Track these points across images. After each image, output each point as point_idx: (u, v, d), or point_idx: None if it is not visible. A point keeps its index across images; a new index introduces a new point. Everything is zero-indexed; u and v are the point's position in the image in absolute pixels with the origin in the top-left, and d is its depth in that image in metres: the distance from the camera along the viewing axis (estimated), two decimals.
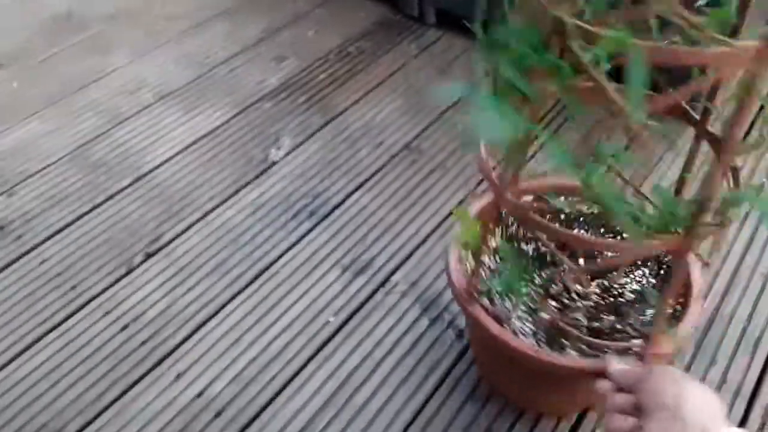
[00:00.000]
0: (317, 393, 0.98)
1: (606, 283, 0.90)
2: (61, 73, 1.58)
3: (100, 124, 1.45)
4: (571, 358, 0.79)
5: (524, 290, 0.84)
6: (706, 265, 0.79)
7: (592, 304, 0.88)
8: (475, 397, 0.97)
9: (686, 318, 0.81)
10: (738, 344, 1.03)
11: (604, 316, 0.86)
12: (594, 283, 0.89)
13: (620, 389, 0.67)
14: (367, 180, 1.32)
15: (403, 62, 1.61)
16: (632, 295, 0.88)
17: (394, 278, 1.15)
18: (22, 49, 1.65)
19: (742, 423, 0.94)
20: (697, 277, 0.85)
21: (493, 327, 0.80)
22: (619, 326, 0.85)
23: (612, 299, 0.88)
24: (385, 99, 1.51)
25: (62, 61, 1.62)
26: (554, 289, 0.88)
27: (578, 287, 0.88)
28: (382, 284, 1.14)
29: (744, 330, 1.05)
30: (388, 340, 1.05)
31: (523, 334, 0.82)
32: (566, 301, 0.88)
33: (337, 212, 1.26)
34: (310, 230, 1.23)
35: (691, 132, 0.78)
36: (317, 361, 1.03)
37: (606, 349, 0.80)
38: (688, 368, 1.00)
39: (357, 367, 1.02)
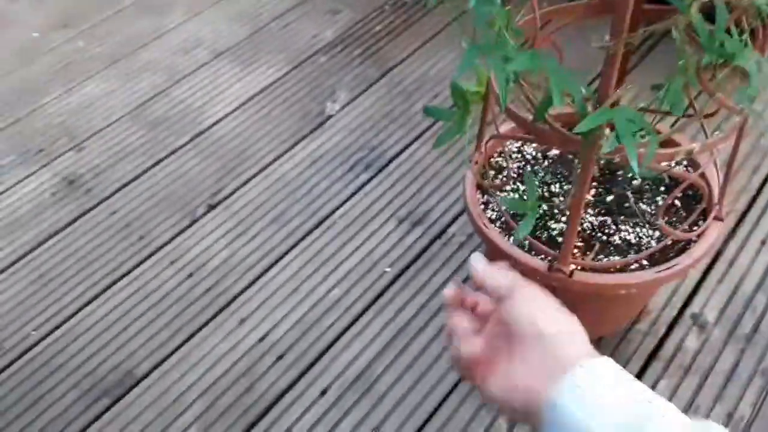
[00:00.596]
0: (375, 339, 1.00)
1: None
2: (122, 32, 1.62)
3: (159, 83, 1.47)
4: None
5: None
6: None
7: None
8: None
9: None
10: None
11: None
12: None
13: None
14: (423, 132, 1.31)
15: (460, 12, 1.57)
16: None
17: (451, 230, 1.14)
18: (86, 8, 1.70)
19: None
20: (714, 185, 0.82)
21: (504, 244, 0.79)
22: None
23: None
24: (441, 51, 1.48)
25: (122, 21, 1.65)
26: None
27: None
28: (439, 236, 1.13)
29: None
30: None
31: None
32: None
33: (393, 165, 1.26)
34: (366, 182, 1.23)
35: None
36: (374, 309, 1.04)
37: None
38: (760, 318, 0.96)
39: (414, 317, 1.02)
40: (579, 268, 0.78)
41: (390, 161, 1.26)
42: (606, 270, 0.78)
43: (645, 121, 0.60)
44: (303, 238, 1.15)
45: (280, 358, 0.99)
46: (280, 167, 1.28)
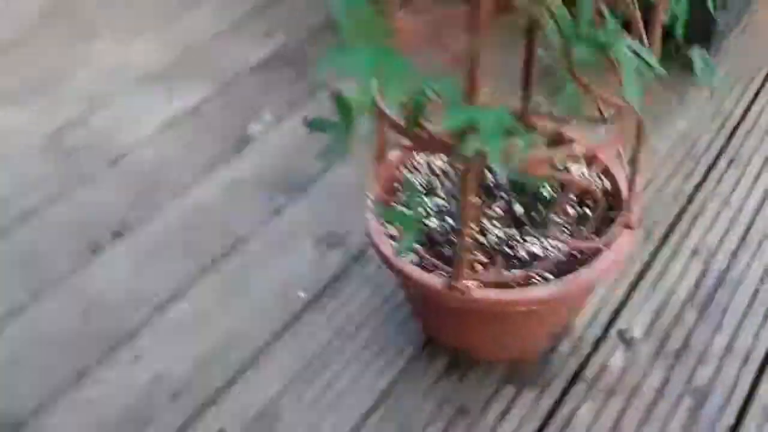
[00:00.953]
0: (281, 372, 0.92)
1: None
2: (46, 59, 1.56)
3: (79, 111, 1.40)
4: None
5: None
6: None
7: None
8: (455, 368, 0.89)
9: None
10: (748, 308, 0.93)
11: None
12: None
13: None
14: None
15: None
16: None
17: (371, 251, 1.07)
18: (9, 34, 1.64)
19: (750, 395, 0.83)
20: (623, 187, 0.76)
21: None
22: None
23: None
24: None
25: (48, 47, 1.60)
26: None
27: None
28: (357, 257, 1.06)
29: (756, 292, 0.94)
30: (362, 313, 0.98)
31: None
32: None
33: (314, 186, 1.20)
34: (284, 205, 1.16)
35: None
36: (284, 339, 0.96)
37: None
38: (690, 333, 0.90)
39: (327, 344, 0.95)
40: (479, 285, 0.72)
41: (311, 183, 1.20)
42: (507, 285, 0.71)
43: (514, 122, 0.54)
44: (212, 267, 1.08)
45: (175, 397, 0.90)
46: (195, 193, 1.21)
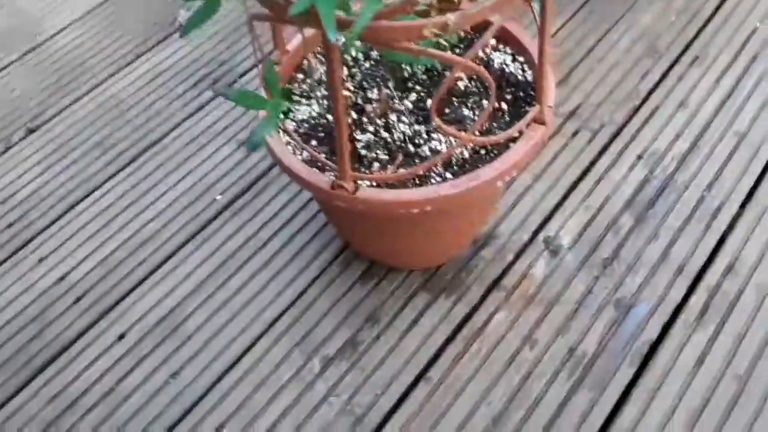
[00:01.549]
0: (188, 277, 0.87)
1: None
2: None
3: None
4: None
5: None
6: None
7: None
8: (367, 276, 0.84)
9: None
10: (691, 216, 0.86)
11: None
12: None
13: None
14: None
15: None
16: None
17: None
18: None
19: (680, 306, 0.79)
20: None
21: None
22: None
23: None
24: None
25: None
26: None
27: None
28: None
29: (702, 199, 0.87)
30: (278, 219, 0.92)
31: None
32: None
33: (242, 81, 1.11)
34: (209, 101, 1.07)
35: None
36: (195, 242, 0.91)
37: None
38: (622, 242, 0.84)
39: (239, 249, 0.89)
40: (373, 184, 0.65)
41: (239, 77, 1.11)
42: (403, 185, 0.64)
43: None
44: (127, 165, 1.00)
45: (77, 300, 0.86)
46: (115, 84, 1.11)
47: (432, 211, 0.62)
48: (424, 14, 0.52)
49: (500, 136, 0.66)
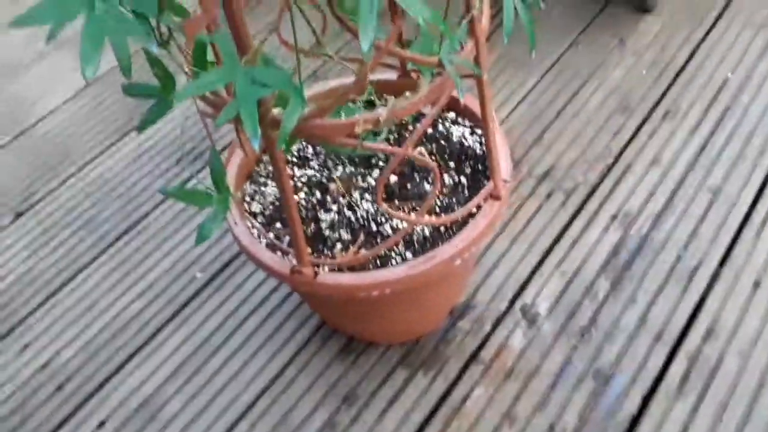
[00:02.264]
0: (167, 361, 0.87)
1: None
2: None
3: None
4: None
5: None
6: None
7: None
8: (345, 353, 0.84)
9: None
10: (668, 277, 0.85)
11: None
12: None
13: None
14: None
15: None
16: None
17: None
18: None
19: (661, 375, 0.77)
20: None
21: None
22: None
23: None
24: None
25: None
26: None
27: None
28: None
29: (679, 259, 0.87)
30: (256, 296, 0.92)
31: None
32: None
33: (224, 154, 1.13)
34: (190, 177, 1.10)
35: None
36: (175, 323, 0.91)
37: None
38: (599, 307, 0.83)
39: (217, 329, 0.90)
40: (336, 268, 0.65)
41: (222, 150, 1.13)
42: (364, 266, 0.65)
43: (290, 81, 0.46)
44: (111, 245, 1.02)
45: (59, 388, 0.87)
46: (101, 165, 1.14)
47: (392, 293, 0.62)
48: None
49: (455, 214, 0.66)
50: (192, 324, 0.91)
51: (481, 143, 0.74)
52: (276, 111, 0.55)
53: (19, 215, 1.09)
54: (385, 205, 0.59)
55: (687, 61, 1.10)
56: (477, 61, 0.52)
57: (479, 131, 0.76)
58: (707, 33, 1.14)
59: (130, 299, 0.95)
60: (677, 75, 1.08)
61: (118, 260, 1.00)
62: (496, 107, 1.08)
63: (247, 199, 0.76)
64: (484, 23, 0.53)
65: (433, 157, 0.75)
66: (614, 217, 0.92)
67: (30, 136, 1.22)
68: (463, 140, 0.76)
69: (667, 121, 1.02)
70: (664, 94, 1.06)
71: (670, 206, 0.92)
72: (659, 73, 1.09)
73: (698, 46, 1.12)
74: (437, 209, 0.71)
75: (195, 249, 1.00)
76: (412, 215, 0.65)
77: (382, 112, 0.50)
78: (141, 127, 0.64)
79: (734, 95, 1.04)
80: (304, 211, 0.73)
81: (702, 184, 0.93)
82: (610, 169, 0.97)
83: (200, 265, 0.97)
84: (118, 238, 1.03)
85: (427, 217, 0.67)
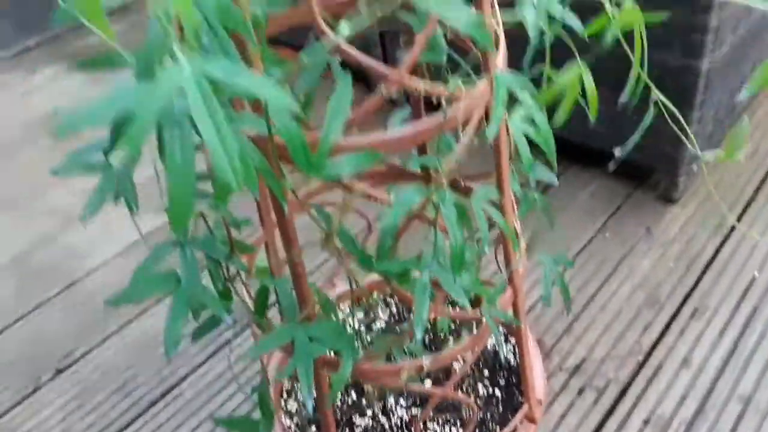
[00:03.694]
0: None
1: None
2: (31, 172, 1.61)
3: (51, 227, 1.43)
4: None
5: None
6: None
7: None
8: None
9: None
10: None
11: None
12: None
13: None
14: None
15: None
16: None
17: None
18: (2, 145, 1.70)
19: None
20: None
21: None
22: None
23: None
24: None
25: (34, 162, 1.64)
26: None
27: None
28: None
29: None
30: None
31: None
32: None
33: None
34: (225, 343, 1.13)
35: None
36: None
37: None
38: None
39: None
40: None
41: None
42: None
43: (345, 338, 0.50)
44: (146, 411, 1.04)
45: None
46: (143, 323, 1.19)
47: None
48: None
49: None
50: None
51: (515, 353, 0.77)
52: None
53: (59, 372, 1.12)
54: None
55: (713, 257, 1.14)
56: (515, 309, 0.56)
57: (512, 339, 0.79)
58: (731, 230, 1.19)
59: None
60: (705, 270, 1.12)
61: (152, 427, 1.02)
62: (525, 290, 1.11)
63: (284, 396, 0.78)
64: (521, 270, 0.58)
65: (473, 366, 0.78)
66: (646, 422, 0.91)
67: (79, 289, 1.28)
68: (497, 348, 0.78)
69: (695, 320, 1.04)
70: (692, 290, 1.09)
71: (701, 413, 0.92)
72: (687, 267, 1.12)
73: (724, 241, 1.16)
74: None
75: (230, 413, 1.01)
76: None
77: (426, 361, 0.53)
78: (195, 337, 0.68)
79: (761, 296, 1.06)
80: (338, 413, 0.75)
81: (732, 391, 0.93)
82: (641, 366, 0.98)
83: None
84: (152, 404, 1.05)
85: None
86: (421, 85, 0.39)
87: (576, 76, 0.45)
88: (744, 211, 1.22)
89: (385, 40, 1.44)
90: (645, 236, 1.19)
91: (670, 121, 0.52)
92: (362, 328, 0.84)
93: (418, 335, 0.43)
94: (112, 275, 1.30)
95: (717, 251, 1.15)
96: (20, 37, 2.08)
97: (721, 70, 1.13)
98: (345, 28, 0.33)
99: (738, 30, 1.12)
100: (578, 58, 0.47)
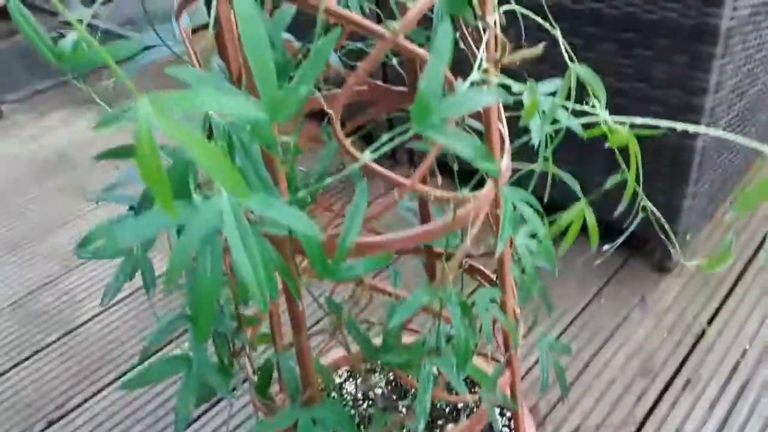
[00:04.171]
0: None
1: None
2: (34, 216, 1.62)
3: (52, 272, 1.44)
4: None
5: None
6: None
7: None
8: None
9: None
10: None
11: None
12: None
13: None
14: None
15: None
16: None
17: None
18: (5, 188, 1.72)
19: None
20: None
21: None
22: None
23: None
24: None
25: (38, 203, 1.66)
26: None
27: None
28: None
29: None
30: None
31: None
32: None
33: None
34: (221, 398, 1.14)
35: None
36: None
37: None
38: None
39: None
40: None
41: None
42: None
43: (349, 423, 0.51)
44: None
45: None
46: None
47: None
48: None
49: None
50: None
51: (510, 427, 0.78)
52: None
53: (50, 424, 1.12)
54: None
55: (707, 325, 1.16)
56: (513, 393, 0.57)
57: (507, 413, 0.80)
58: (724, 300, 1.21)
59: None
60: (697, 342, 1.13)
61: None
62: (520, 355, 1.12)
63: None
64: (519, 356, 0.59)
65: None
66: None
67: (76, 336, 1.29)
68: (492, 423, 0.80)
69: (688, 391, 1.05)
70: (684, 361, 1.10)
71: None
72: (680, 338, 1.14)
73: (716, 312, 1.18)
74: None
75: None
76: None
77: None
78: (197, 404, 0.69)
79: (753, 368, 1.08)
80: None
81: (753, 409, 0.94)
82: None
83: None
84: None
85: None
86: (432, 192, 0.42)
87: (579, 211, 0.48)
88: (736, 283, 1.24)
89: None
90: (640, 305, 1.21)
91: (656, 227, 0.54)
92: (359, 395, 0.85)
93: (420, 426, 0.44)
94: (110, 323, 1.31)
95: (709, 323, 1.17)
96: (31, 80, 2.12)
97: (716, 149, 1.17)
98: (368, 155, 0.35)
99: (734, 108, 1.16)
100: (582, 198, 0.50)
